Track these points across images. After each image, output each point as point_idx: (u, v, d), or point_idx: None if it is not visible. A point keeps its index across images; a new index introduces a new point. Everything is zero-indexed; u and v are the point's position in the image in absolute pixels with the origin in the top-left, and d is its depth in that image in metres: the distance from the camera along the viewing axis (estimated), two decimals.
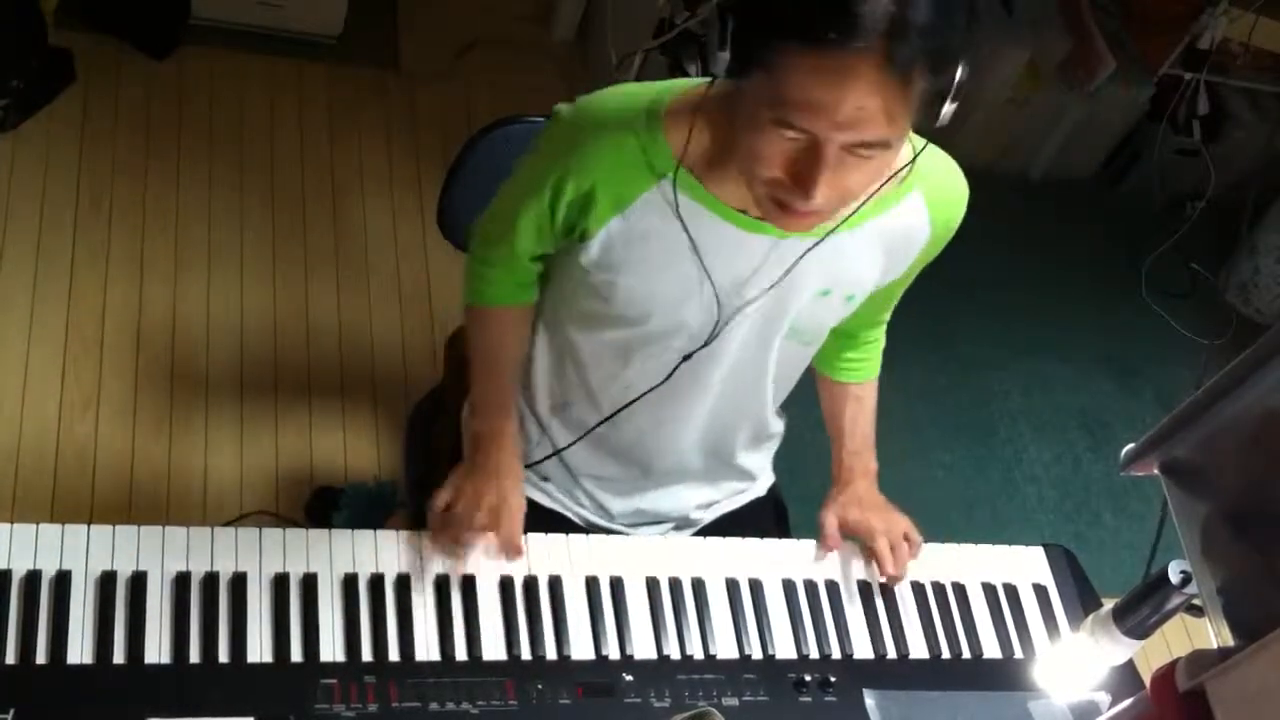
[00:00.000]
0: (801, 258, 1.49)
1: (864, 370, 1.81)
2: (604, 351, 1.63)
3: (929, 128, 1.33)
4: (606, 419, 1.68)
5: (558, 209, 1.50)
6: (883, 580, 1.69)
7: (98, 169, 2.91)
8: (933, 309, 3.28)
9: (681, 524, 1.85)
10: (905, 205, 1.52)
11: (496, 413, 1.67)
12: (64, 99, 2.99)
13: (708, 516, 1.87)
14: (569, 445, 1.74)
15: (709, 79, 1.44)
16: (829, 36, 1.19)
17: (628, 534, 1.81)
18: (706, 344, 1.56)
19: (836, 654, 1.61)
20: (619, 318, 1.56)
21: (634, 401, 1.65)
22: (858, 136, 1.25)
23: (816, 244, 1.48)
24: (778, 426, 1.86)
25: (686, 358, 1.58)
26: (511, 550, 1.57)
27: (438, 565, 1.55)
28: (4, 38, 2.83)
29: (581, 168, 1.45)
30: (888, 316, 1.78)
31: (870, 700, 1.56)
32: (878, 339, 1.82)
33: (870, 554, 1.71)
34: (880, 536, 1.70)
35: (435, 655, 1.47)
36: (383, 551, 1.53)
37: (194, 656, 1.40)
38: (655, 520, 1.84)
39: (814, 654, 1.60)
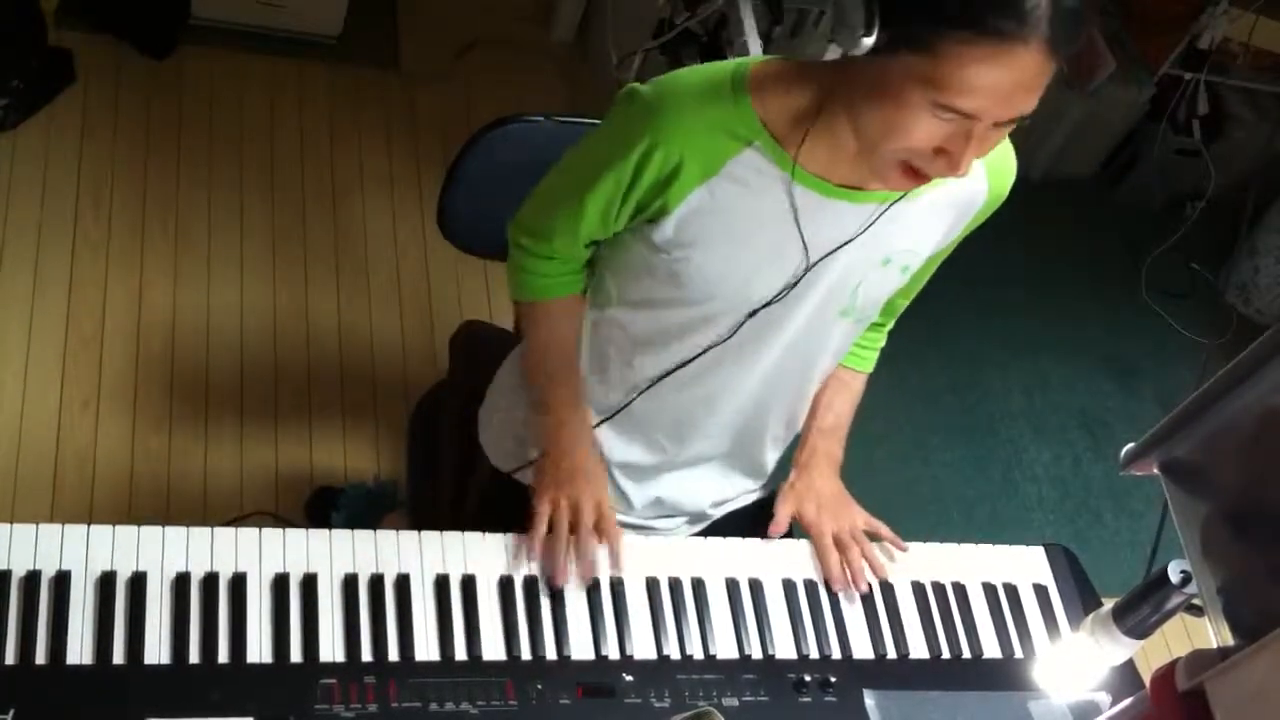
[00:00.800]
0: (879, 216, 1.50)
1: (858, 359, 1.80)
2: (658, 332, 1.62)
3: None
4: (644, 390, 1.67)
5: (639, 185, 1.49)
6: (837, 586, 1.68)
7: (98, 169, 2.92)
8: (933, 309, 3.26)
9: (695, 518, 1.85)
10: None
11: (567, 406, 1.66)
12: (64, 99, 2.99)
13: (719, 513, 1.87)
14: (603, 421, 1.73)
15: (789, 57, 1.47)
16: (1003, 28, 1.23)
17: (643, 527, 1.81)
18: (776, 300, 1.55)
19: (836, 654, 1.61)
20: (684, 298, 1.55)
21: (694, 360, 1.63)
22: (1012, 115, 1.30)
23: (893, 203, 1.50)
24: (800, 425, 1.85)
25: (753, 314, 1.56)
26: (615, 564, 1.60)
27: (438, 565, 1.55)
28: (4, 38, 2.83)
29: (671, 137, 1.45)
30: (905, 304, 1.77)
31: (870, 700, 1.56)
32: (883, 329, 1.81)
33: (818, 556, 1.69)
34: (827, 539, 1.69)
35: (435, 655, 1.47)
36: (383, 551, 1.53)
37: (194, 656, 1.39)
38: (672, 513, 1.83)
39: (814, 654, 1.60)
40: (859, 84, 1.37)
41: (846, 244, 1.51)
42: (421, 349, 2.86)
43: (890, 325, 1.82)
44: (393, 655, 1.45)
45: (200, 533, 1.48)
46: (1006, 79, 1.26)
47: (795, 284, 1.53)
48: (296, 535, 1.52)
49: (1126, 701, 1.31)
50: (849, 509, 1.75)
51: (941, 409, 3.20)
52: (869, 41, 1.29)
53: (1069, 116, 3.66)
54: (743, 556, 1.67)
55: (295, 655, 1.42)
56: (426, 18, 3.50)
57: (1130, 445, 1.29)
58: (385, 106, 3.28)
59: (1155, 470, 1.27)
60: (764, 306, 1.55)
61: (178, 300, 2.77)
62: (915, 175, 1.38)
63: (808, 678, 1.56)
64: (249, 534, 1.50)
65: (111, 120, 3.01)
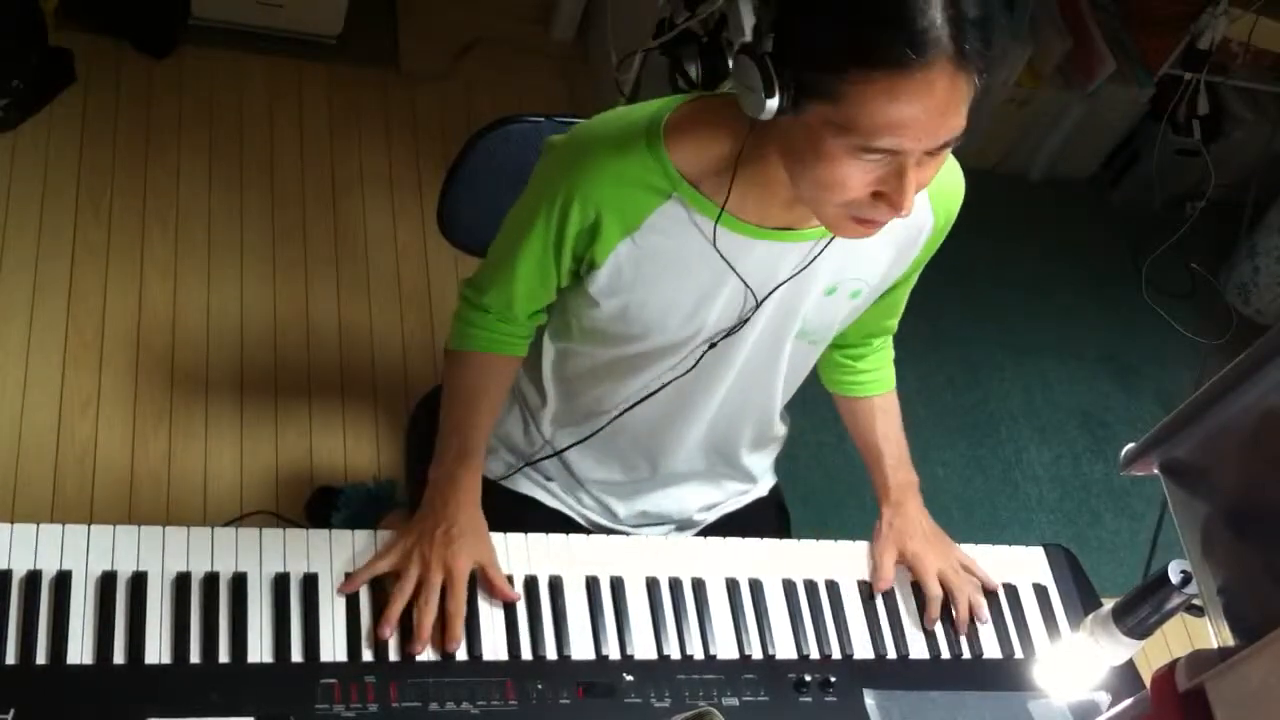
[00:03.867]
0: (819, 253, 1.49)
1: (881, 382, 1.81)
2: (617, 365, 1.63)
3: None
4: (617, 416, 1.67)
5: (566, 236, 1.47)
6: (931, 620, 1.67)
7: (98, 169, 2.91)
8: (933, 309, 3.28)
9: (684, 525, 1.85)
10: None
11: (456, 460, 1.57)
12: (64, 99, 2.99)
13: (710, 517, 1.87)
14: (571, 446, 1.74)
15: (693, 93, 1.46)
16: (906, 59, 1.18)
17: (632, 533, 1.81)
18: (732, 331, 1.55)
19: (836, 654, 1.61)
20: (632, 335, 1.56)
21: (655, 393, 1.63)
22: (941, 140, 1.25)
23: (829, 241, 1.48)
24: (781, 430, 1.86)
25: (712, 345, 1.56)
26: (450, 641, 1.45)
27: None
28: (4, 38, 2.83)
29: (586, 193, 1.43)
30: (895, 324, 1.78)
31: (870, 700, 1.56)
32: (886, 348, 1.82)
33: (922, 591, 1.68)
34: (933, 577, 1.67)
35: (435, 655, 1.47)
36: None
37: (194, 656, 1.39)
38: (659, 521, 1.83)
39: (814, 654, 1.60)
40: (781, 143, 1.33)
41: (786, 281, 1.50)
42: (421, 349, 2.85)
43: (890, 339, 1.82)
44: (393, 655, 1.45)
45: (200, 533, 1.48)
46: (919, 107, 1.21)
47: (746, 319, 1.53)
48: (296, 535, 1.51)
49: (1126, 701, 1.31)
50: (950, 544, 1.73)
51: (941, 409, 3.20)
52: (773, 104, 1.25)
53: (1069, 116, 3.66)
54: (743, 556, 1.67)
55: (295, 655, 1.42)
56: (426, 18, 3.50)
57: (1130, 445, 1.29)
58: (385, 106, 3.28)
59: (1155, 470, 1.27)
60: (723, 338, 1.55)
61: (178, 300, 2.77)
62: (867, 224, 1.34)
63: (808, 678, 1.56)
64: (249, 534, 1.50)
65: (111, 120, 3.01)
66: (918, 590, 1.70)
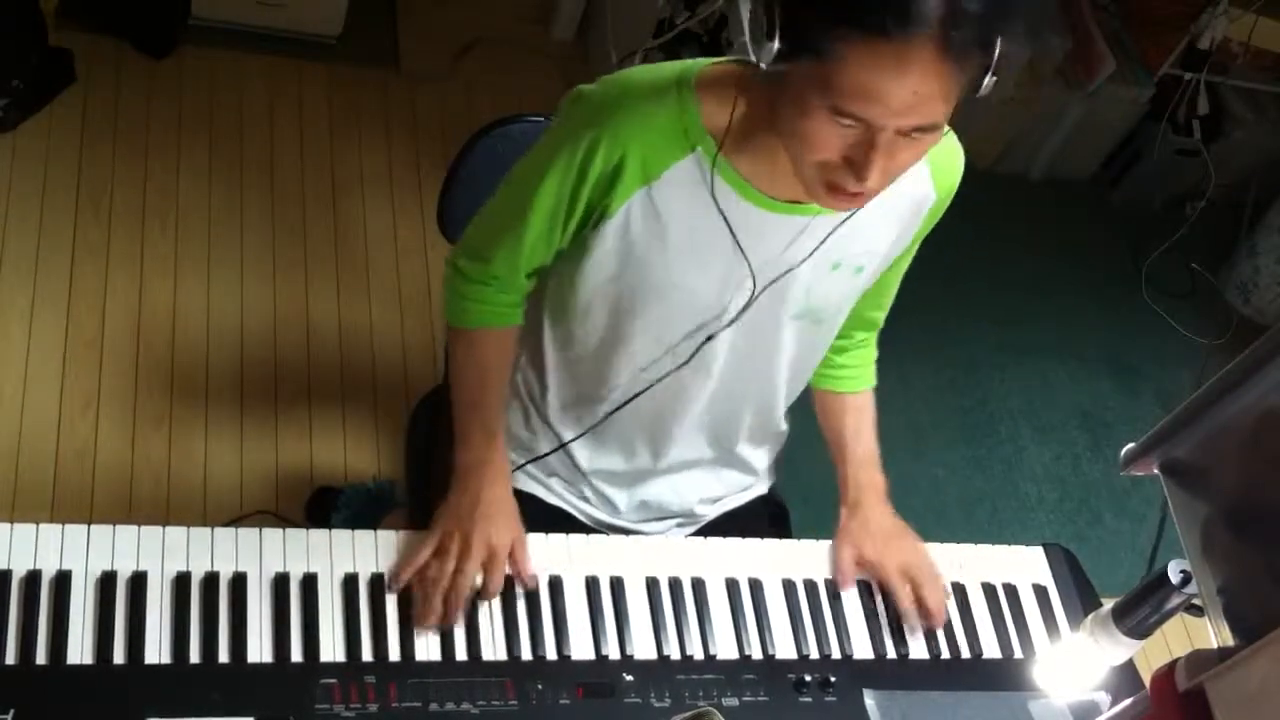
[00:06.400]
0: (831, 233, 1.50)
1: (859, 379, 1.80)
2: (612, 339, 1.62)
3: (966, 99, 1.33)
4: (616, 409, 1.67)
5: (585, 181, 1.47)
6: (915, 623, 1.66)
7: (98, 168, 2.92)
8: (933, 309, 3.28)
9: (686, 520, 1.85)
10: (912, 174, 1.52)
11: (483, 441, 1.60)
12: (64, 99, 2.99)
13: (712, 512, 1.86)
14: (575, 438, 1.73)
15: (738, 59, 1.46)
16: (889, 27, 1.20)
17: (633, 529, 1.81)
18: (731, 323, 1.55)
19: (836, 654, 1.61)
20: (632, 308, 1.55)
21: (653, 385, 1.63)
22: (913, 122, 1.27)
23: (845, 219, 1.49)
24: (783, 426, 1.85)
25: (710, 337, 1.56)
26: (487, 595, 1.51)
27: None
28: (4, 38, 2.83)
29: (614, 134, 1.43)
30: (881, 317, 1.77)
31: (870, 700, 1.56)
32: (869, 345, 1.81)
33: (885, 595, 1.67)
34: (894, 574, 1.65)
35: (435, 655, 1.47)
36: (383, 551, 1.53)
37: (194, 656, 1.39)
38: (661, 515, 1.83)
39: (814, 654, 1.60)
40: (775, 95, 1.35)
41: (805, 261, 1.51)
42: (421, 349, 2.86)
43: (874, 337, 1.81)
44: (393, 655, 1.45)
45: (200, 533, 1.48)
46: (892, 80, 1.23)
47: (748, 305, 1.53)
48: (296, 535, 1.51)
49: (1126, 701, 1.31)
50: (908, 540, 1.71)
51: (941, 409, 3.20)
52: (774, 47, 1.27)
53: (1069, 116, 3.66)
54: (743, 556, 1.67)
55: (295, 655, 1.42)
56: (426, 18, 3.50)
57: (1130, 445, 1.29)
58: (385, 106, 3.28)
59: (1155, 470, 1.27)
60: (725, 327, 1.55)
61: (178, 300, 2.77)
62: (839, 193, 1.35)
63: (808, 678, 1.56)
64: (249, 534, 1.50)
65: (111, 120, 3.01)
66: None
